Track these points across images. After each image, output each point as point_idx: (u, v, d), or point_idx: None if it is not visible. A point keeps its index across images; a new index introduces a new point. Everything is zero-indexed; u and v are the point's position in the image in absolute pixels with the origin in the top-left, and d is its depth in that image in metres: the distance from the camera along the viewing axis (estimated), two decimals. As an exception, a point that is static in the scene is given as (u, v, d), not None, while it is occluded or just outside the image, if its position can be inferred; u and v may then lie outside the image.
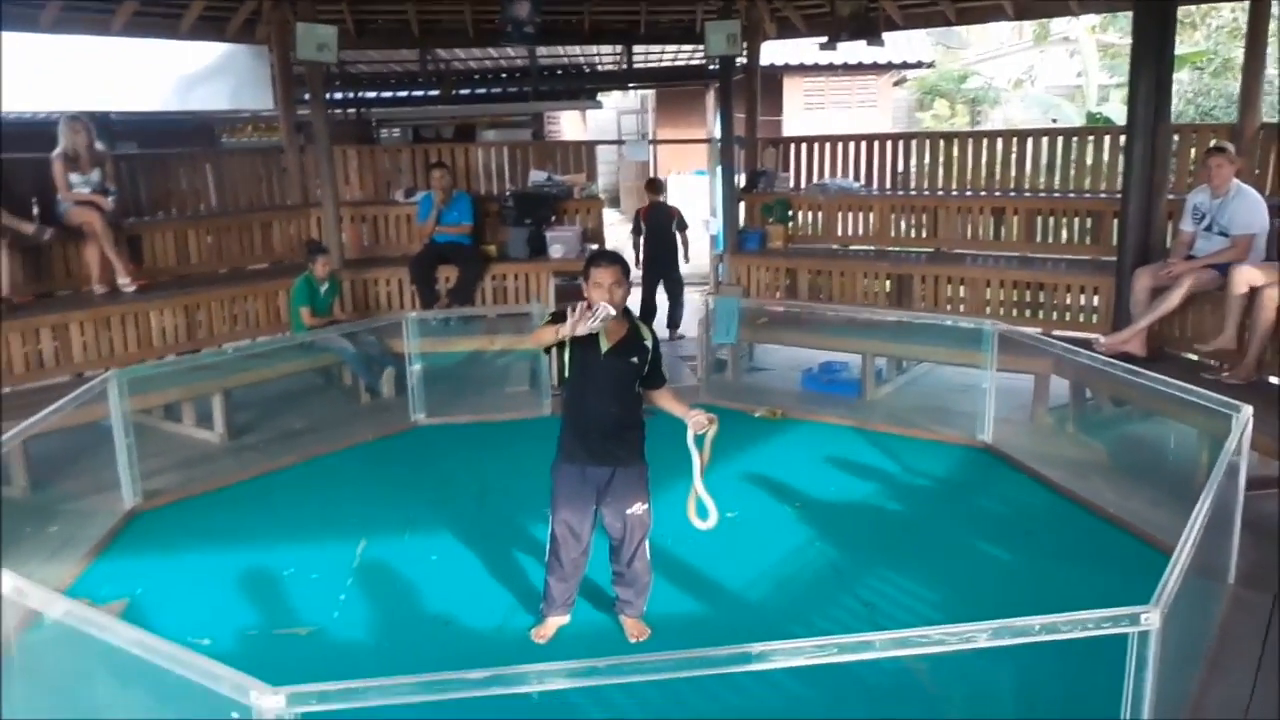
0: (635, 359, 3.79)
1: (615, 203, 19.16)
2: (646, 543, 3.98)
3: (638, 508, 3.89)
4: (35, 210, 7.04)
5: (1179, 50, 10.15)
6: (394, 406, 7.12)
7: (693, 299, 9.58)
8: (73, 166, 6.92)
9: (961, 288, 7.57)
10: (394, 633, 4.15)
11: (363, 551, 4.88)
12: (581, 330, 3.52)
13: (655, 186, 9.74)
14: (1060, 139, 8.23)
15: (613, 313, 3.56)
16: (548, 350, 3.88)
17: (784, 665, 2.48)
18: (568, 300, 8.06)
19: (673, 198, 18.19)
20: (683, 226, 9.56)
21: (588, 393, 3.80)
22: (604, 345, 3.75)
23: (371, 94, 13.68)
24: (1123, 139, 6.50)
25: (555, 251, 8.32)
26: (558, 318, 3.72)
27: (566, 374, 3.83)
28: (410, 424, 6.84)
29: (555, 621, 4.06)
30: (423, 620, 4.24)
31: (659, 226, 9.49)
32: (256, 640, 4.07)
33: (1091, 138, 8.19)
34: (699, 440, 3.77)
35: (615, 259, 3.72)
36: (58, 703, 3.40)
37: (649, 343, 3.85)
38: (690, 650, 2.44)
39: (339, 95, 12.82)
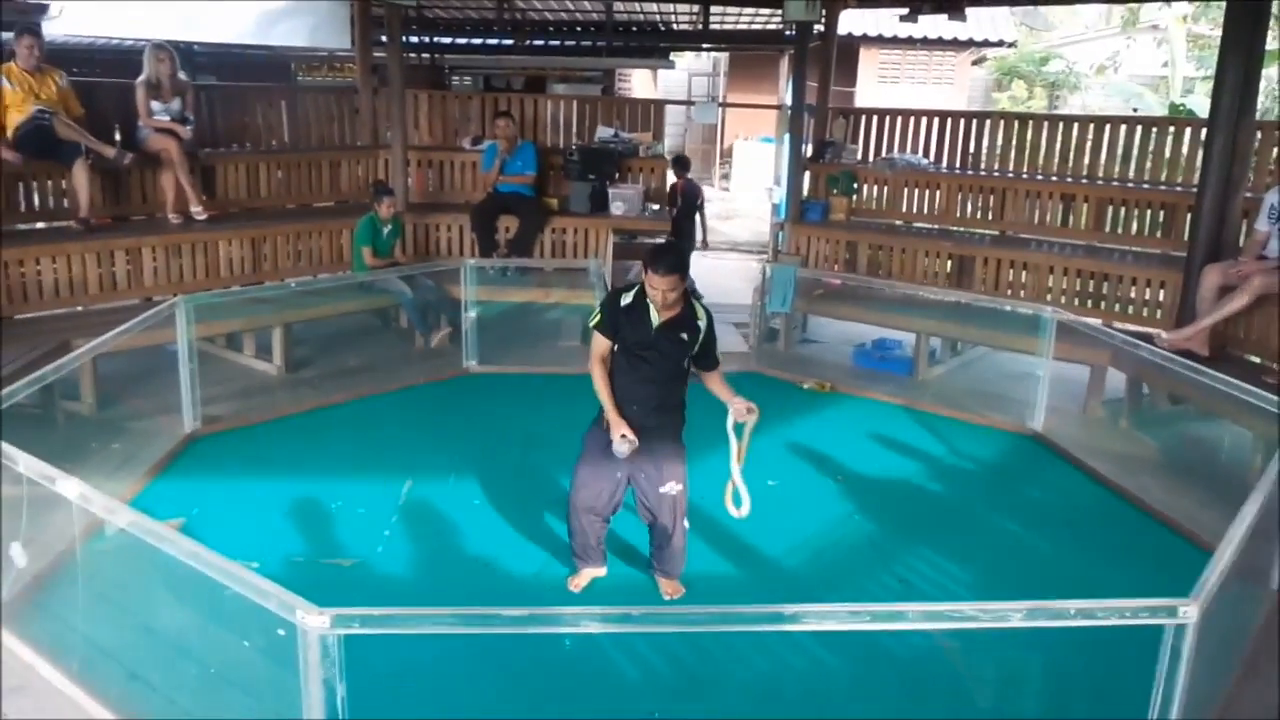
0: (686, 335, 3.81)
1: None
2: (684, 521, 4.02)
3: (671, 486, 3.91)
4: (117, 135, 7.22)
5: (1270, 45, 9.78)
6: (446, 352, 7.22)
7: (749, 265, 9.53)
8: (155, 94, 7.06)
9: (1024, 272, 7.46)
10: (435, 570, 4.26)
11: (408, 491, 4.99)
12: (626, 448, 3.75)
13: (682, 164, 9.64)
14: (1139, 128, 8.01)
15: (633, 447, 3.77)
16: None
17: (815, 628, 2.52)
18: (626, 259, 8.15)
19: (738, 164, 18.16)
20: (702, 206, 9.59)
21: (635, 366, 3.82)
22: (655, 320, 3.77)
23: (446, 40, 13.69)
24: (1204, 132, 6.31)
25: (617, 208, 8.32)
26: (605, 316, 3.83)
27: (617, 347, 3.87)
28: (462, 370, 6.94)
29: (590, 572, 4.14)
30: (463, 560, 4.34)
31: (689, 204, 9.49)
32: (303, 567, 4.21)
33: (1172, 129, 7.96)
34: (738, 428, 3.81)
35: (674, 266, 3.69)
36: (117, 611, 3.56)
37: (702, 322, 3.86)
38: (723, 606, 2.49)
39: (414, 39, 12.86)
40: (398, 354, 7.35)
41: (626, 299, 3.81)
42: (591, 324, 3.90)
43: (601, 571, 4.16)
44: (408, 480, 5.09)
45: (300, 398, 6.30)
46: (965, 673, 3.58)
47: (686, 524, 4.05)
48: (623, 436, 3.73)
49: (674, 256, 3.76)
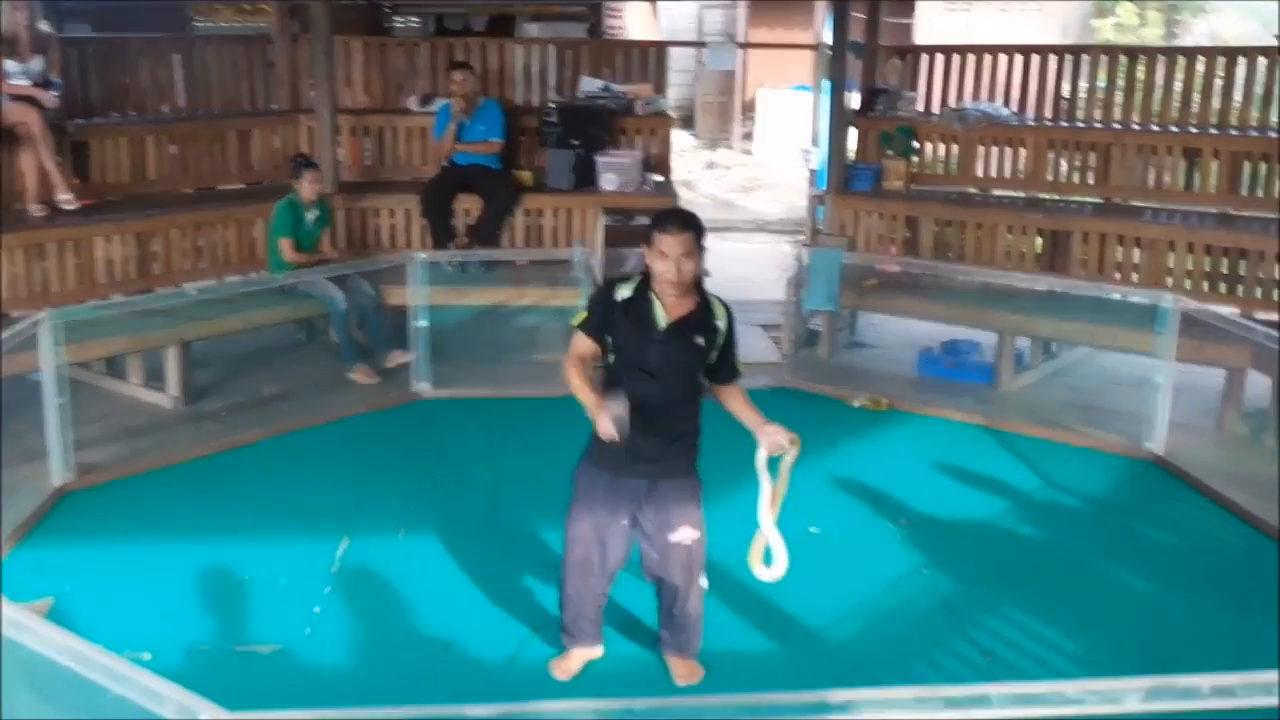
0: (701, 339, 3.78)
1: (689, 122, 19.09)
2: (702, 580, 4.01)
3: (684, 533, 3.89)
4: (-42, 105, 7.25)
5: None
6: (392, 373, 7.23)
7: (780, 250, 9.55)
8: (8, 52, 7.08)
9: (1136, 251, 7.46)
10: (379, 657, 4.24)
11: (344, 553, 4.98)
12: (616, 435, 3.60)
13: None
14: (1283, 60, 8.02)
15: (626, 403, 3.62)
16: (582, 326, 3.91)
17: (873, 719, 2.49)
18: (621, 247, 8.16)
19: (764, 120, 18.21)
20: None
21: (635, 378, 3.79)
22: (662, 318, 3.74)
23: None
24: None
25: (608, 183, 8.33)
26: (594, 314, 3.81)
27: (612, 357, 3.85)
28: (411, 395, 6.94)
29: (582, 654, 4.12)
30: (417, 643, 4.32)
31: None
32: (209, 658, 4.19)
33: (1329, 59, 7.97)
34: (772, 465, 3.76)
35: (687, 223, 3.70)
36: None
37: (721, 323, 3.82)
38: (753, 695, 2.46)
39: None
40: (329, 377, 7.35)
41: (624, 292, 3.78)
42: (574, 322, 3.88)
43: (597, 652, 4.15)
44: (344, 539, 5.09)
45: (203, 436, 6.30)
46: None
47: (705, 583, 4.03)
48: (617, 420, 3.61)
49: (688, 213, 3.76)
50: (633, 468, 3.83)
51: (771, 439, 3.71)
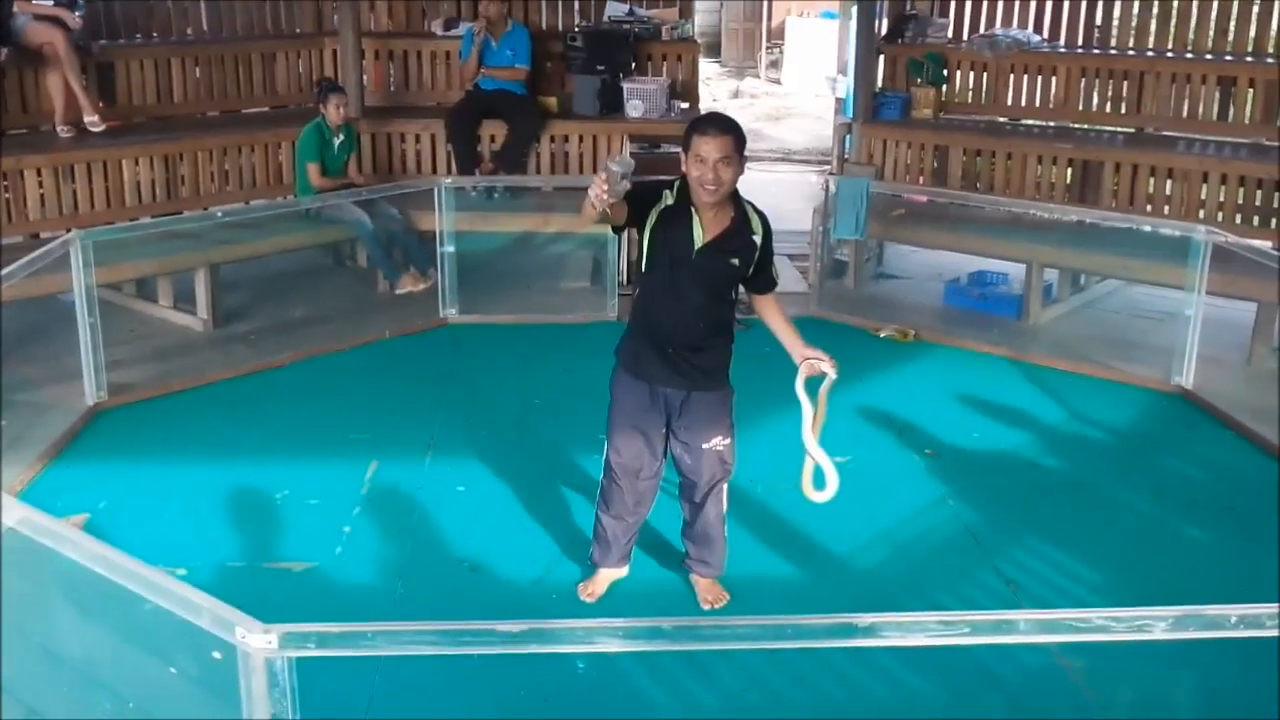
0: (737, 260, 3.73)
1: (715, 50, 18.88)
2: (725, 486, 4.02)
3: (717, 442, 3.91)
4: (-14, 26, 7.23)
5: None
6: (420, 298, 7.24)
7: (806, 180, 9.47)
8: (32, -28, 7.06)
9: (1169, 182, 7.37)
10: (408, 576, 4.29)
11: (373, 475, 5.03)
12: (610, 198, 3.34)
13: None
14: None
15: (631, 164, 3.39)
16: (617, 230, 3.87)
17: (897, 643, 2.50)
18: (645, 174, 8.09)
19: (791, 48, 17.97)
20: None
21: (670, 293, 3.75)
22: (699, 235, 3.69)
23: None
24: None
25: (633, 109, 8.26)
26: (640, 191, 3.58)
27: (645, 265, 3.80)
28: (439, 321, 6.96)
29: (609, 575, 4.16)
30: (444, 563, 4.38)
31: None
32: (242, 573, 4.26)
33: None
34: (811, 388, 3.74)
35: (726, 126, 3.60)
36: (8, 632, 3.61)
37: (758, 236, 3.76)
38: (778, 616, 2.48)
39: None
40: (356, 301, 7.38)
41: (668, 199, 3.69)
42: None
43: (623, 572, 4.19)
44: (372, 462, 5.13)
45: (232, 359, 6.34)
46: (1093, 699, 3.59)
47: (725, 505, 4.05)
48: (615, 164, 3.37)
49: (728, 117, 3.67)
50: (667, 378, 3.82)
51: (810, 362, 3.70)
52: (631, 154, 8.00)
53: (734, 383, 3.94)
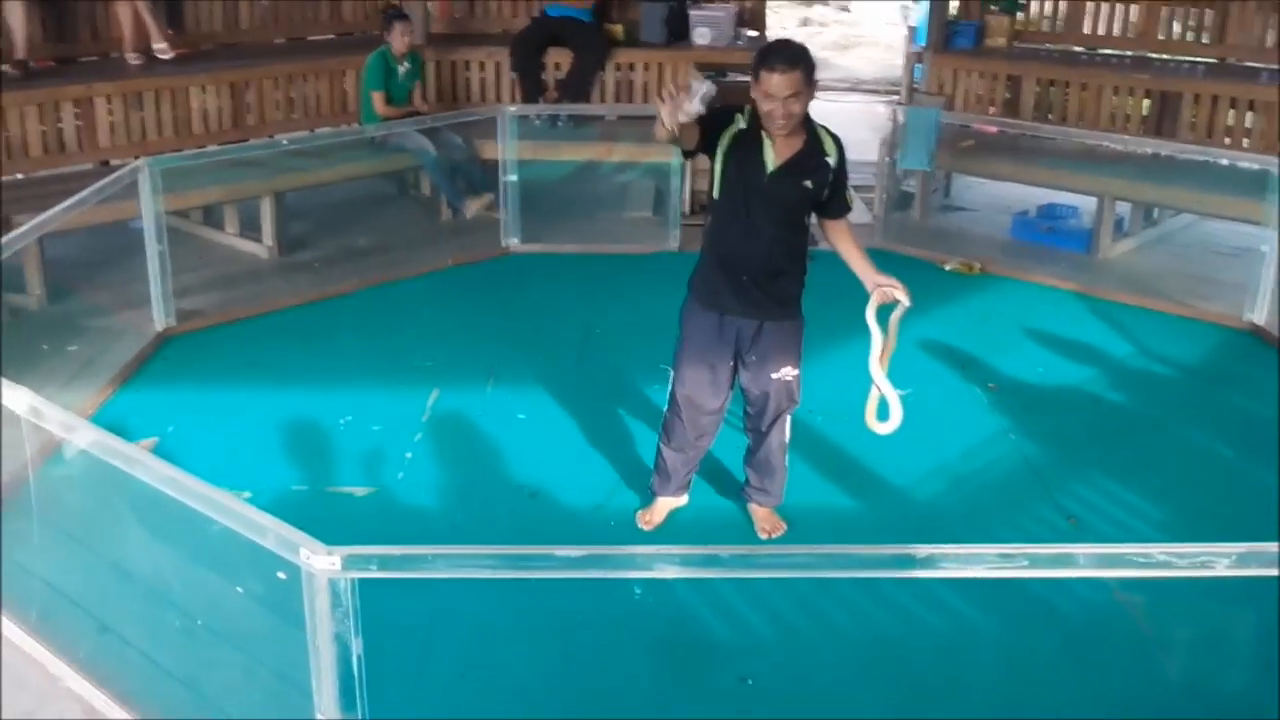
0: (810, 183, 3.67)
1: (784, -24, 18.56)
2: (788, 418, 4.01)
3: (786, 372, 3.89)
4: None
5: None
6: (482, 227, 7.26)
7: (875, 110, 9.33)
8: (99, -100, 7.09)
9: (1249, 114, 7.22)
10: (469, 501, 4.35)
11: (435, 402, 5.08)
12: (681, 117, 3.27)
13: None
14: None
15: (713, 90, 3.33)
16: (688, 154, 3.81)
17: (954, 574, 2.49)
18: (712, 104, 8.01)
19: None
20: None
21: (743, 221, 3.70)
22: (771, 160, 3.64)
23: None
24: None
25: (701, 37, 8.17)
26: (713, 117, 3.54)
27: (717, 192, 3.75)
28: (501, 250, 6.98)
29: (667, 503, 4.18)
30: (504, 489, 4.42)
31: None
32: (306, 497, 4.33)
33: None
34: (882, 316, 3.69)
35: (796, 58, 3.50)
36: (81, 550, 3.72)
37: (832, 159, 3.69)
38: (836, 546, 2.49)
39: None
40: (419, 230, 7.42)
41: (740, 124, 3.64)
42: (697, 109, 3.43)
43: (682, 501, 4.21)
44: (434, 389, 5.18)
45: (298, 287, 6.42)
46: (1152, 635, 3.57)
47: (788, 435, 4.05)
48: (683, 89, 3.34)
49: (797, 47, 3.56)
50: (740, 308, 3.79)
51: (883, 290, 3.64)
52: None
53: (818, 315, 3.92)
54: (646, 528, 4.14)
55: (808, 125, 3.67)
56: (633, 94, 8.17)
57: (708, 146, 3.65)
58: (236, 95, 7.38)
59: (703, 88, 3.31)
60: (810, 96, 3.57)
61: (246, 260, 6.83)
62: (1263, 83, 7.29)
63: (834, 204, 3.79)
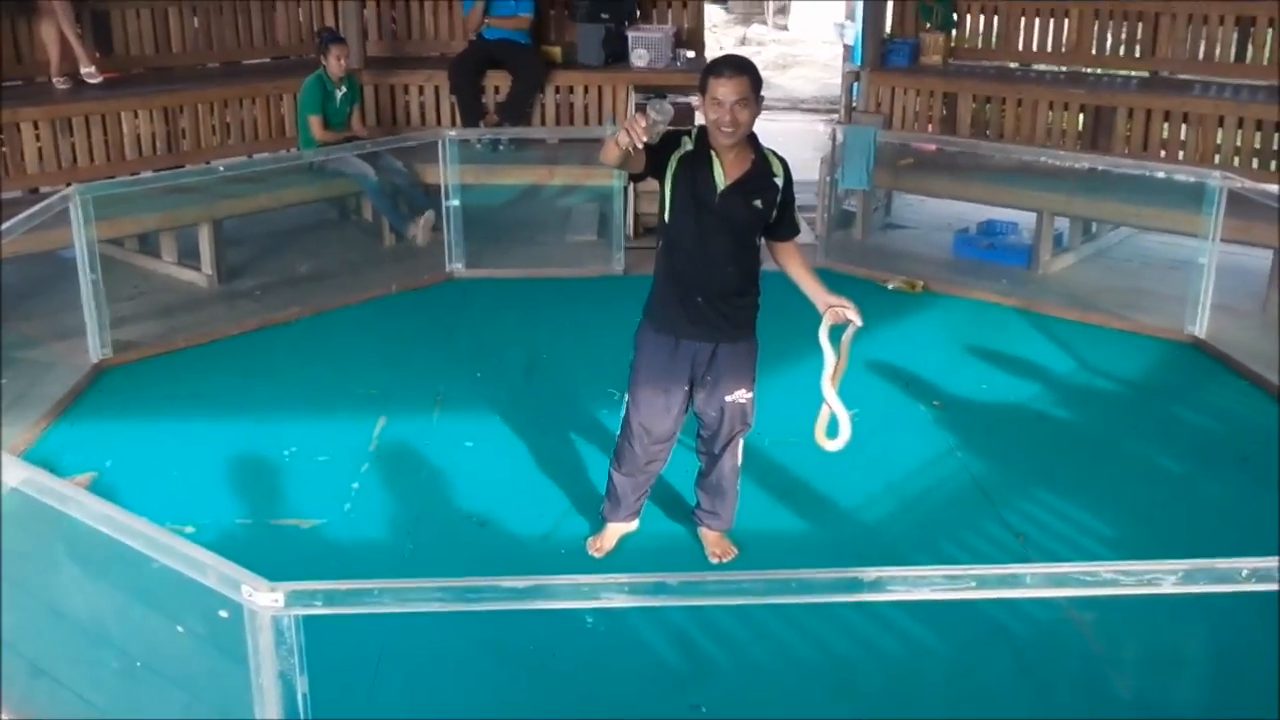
0: (760, 202, 3.70)
1: (721, -3, 18.70)
2: (741, 441, 4.03)
3: (740, 395, 3.90)
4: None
5: None
6: (425, 252, 7.22)
7: (814, 129, 9.41)
8: (24, -80, 6.99)
9: (1184, 128, 7.32)
10: (416, 532, 4.30)
11: (381, 431, 5.04)
12: (636, 140, 3.31)
13: None
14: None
15: (670, 111, 3.39)
16: (635, 178, 3.82)
17: (904, 597, 2.50)
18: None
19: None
20: None
21: (695, 242, 3.72)
22: (721, 179, 3.67)
23: None
24: None
25: (638, 58, 8.20)
26: (659, 144, 3.57)
27: (667, 214, 3.77)
28: (445, 275, 6.94)
29: (618, 529, 4.17)
30: (452, 519, 4.39)
31: None
32: (249, 531, 4.27)
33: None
34: (834, 335, 3.73)
35: (742, 67, 3.56)
36: (14, 591, 3.63)
37: (779, 180, 3.73)
38: (785, 571, 2.49)
39: None
40: (362, 256, 7.37)
41: (687, 145, 3.69)
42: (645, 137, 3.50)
43: (632, 527, 4.20)
44: (380, 418, 5.14)
45: (238, 315, 6.34)
46: (1102, 653, 3.60)
47: (741, 458, 4.06)
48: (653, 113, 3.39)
49: (744, 58, 3.64)
50: (694, 331, 3.81)
51: (835, 310, 3.68)
52: (637, 103, 7.95)
53: (761, 337, 3.94)
54: (597, 554, 4.12)
55: (755, 147, 3.71)
56: (573, 116, 8.18)
57: (656, 169, 3.67)
58: (170, 120, 7.30)
59: (660, 115, 3.35)
60: (756, 110, 3.61)
61: (185, 289, 6.74)
62: (1195, 95, 7.42)
63: (783, 226, 3.82)
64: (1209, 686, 3.50)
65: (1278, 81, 7.54)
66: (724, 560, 4.08)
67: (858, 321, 3.67)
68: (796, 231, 3.87)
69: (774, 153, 3.77)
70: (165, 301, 6.49)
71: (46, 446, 4.84)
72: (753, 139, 3.71)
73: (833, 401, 3.74)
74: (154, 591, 2.94)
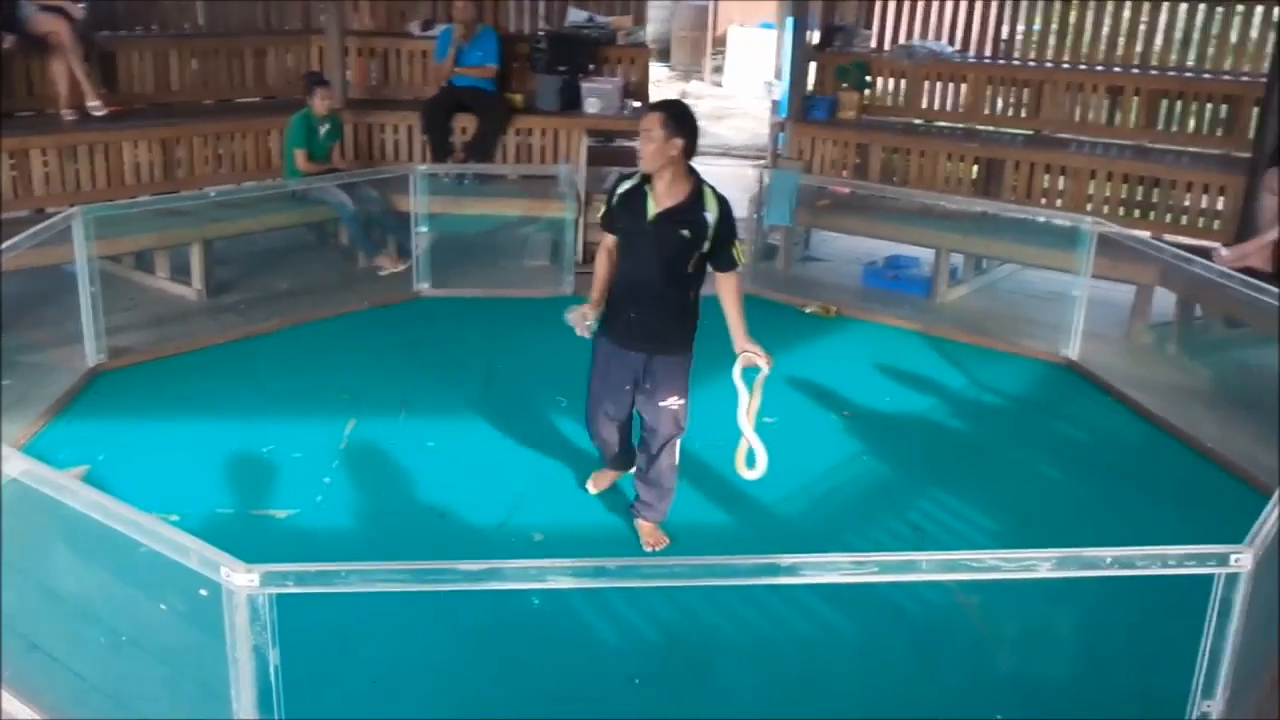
0: (688, 232, 3.73)
1: (665, 55, 18.75)
2: (677, 442, 4.03)
3: (673, 402, 3.93)
4: (-7, 15, 7.02)
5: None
6: (394, 274, 7.15)
7: (744, 173, 9.45)
8: (38, -34, 6.85)
9: (1061, 178, 7.43)
10: (381, 522, 4.26)
11: (351, 432, 4.97)
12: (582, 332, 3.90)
13: None
14: (1201, 6, 7.88)
15: (588, 325, 3.88)
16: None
17: (815, 580, 2.53)
18: (600, 165, 8.06)
19: (733, 54, 17.89)
20: None
21: (631, 261, 3.84)
22: (651, 208, 3.72)
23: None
24: (1277, 11, 6.24)
25: (591, 106, 8.20)
26: (606, 208, 3.93)
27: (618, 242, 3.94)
28: (412, 294, 6.88)
29: (611, 474, 4.34)
30: (415, 511, 4.34)
31: None
32: (229, 520, 4.20)
33: (1241, 8, 7.83)
34: (748, 376, 3.75)
35: (659, 106, 3.72)
36: (11, 573, 3.53)
37: (712, 215, 3.75)
38: (711, 557, 2.49)
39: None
40: (338, 275, 7.28)
41: (626, 185, 3.86)
42: (597, 218, 4.05)
43: (618, 474, 4.40)
44: (350, 420, 5.07)
45: (224, 325, 6.23)
46: (986, 631, 3.63)
47: (677, 458, 4.07)
48: (583, 317, 3.88)
49: (666, 101, 3.82)
50: (631, 342, 3.91)
51: (746, 355, 3.74)
52: (589, 147, 7.95)
53: (702, 346, 3.98)
54: (591, 490, 4.36)
55: (695, 182, 3.75)
56: (531, 155, 8.15)
57: (615, 223, 3.94)
58: (167, 150, 7.17)
59: (574, 322, 3.90)
60: (666, 142, 3.66)
61: (176, 302, 6.61)
62: (1071, 151, 7.53)
63: (719, 257, 3.85)
64: (1078, 660, 3.54)
65: (1141, 141, 7.73)
66: (657, 549, 4.07)
67: (766, 369, 3.72)
68: (732, 265, 3.86)
69: (714, 191, 3.81)
70: (157, 312, 6.36)
71: (44, 442, 4.72)
72: (694, 175, 3.76)
73: (750, 436, 3.79)
74: (140, 573, 2.89)
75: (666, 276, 3.79)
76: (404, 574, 2.48)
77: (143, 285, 6.78)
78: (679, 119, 3.67)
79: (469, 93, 7.99)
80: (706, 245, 3.78)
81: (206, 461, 4.63)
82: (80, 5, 7.01)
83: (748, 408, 3.76)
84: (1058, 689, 3.42)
